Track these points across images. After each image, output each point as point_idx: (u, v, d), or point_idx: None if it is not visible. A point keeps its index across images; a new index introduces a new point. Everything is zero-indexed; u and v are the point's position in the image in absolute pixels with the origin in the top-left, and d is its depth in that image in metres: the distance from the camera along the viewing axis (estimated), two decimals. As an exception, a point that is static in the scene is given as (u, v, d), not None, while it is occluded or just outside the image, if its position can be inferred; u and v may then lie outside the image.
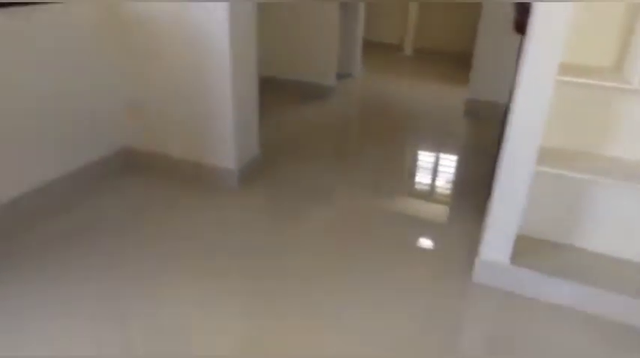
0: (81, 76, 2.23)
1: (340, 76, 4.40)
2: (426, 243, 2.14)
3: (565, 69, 1.52)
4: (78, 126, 2.27)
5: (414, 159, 3.08)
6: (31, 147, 2.07)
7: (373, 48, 5.78)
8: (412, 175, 2.86)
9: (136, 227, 2.08)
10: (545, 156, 1.63)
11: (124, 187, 2.40)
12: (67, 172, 2.25)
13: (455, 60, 5.26)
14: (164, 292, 1.71)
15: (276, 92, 4.01)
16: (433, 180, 2.80)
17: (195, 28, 2.17)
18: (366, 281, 1.83)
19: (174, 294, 1.71)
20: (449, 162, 3.06)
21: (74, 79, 2.20)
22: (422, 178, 2.82)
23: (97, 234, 2.01)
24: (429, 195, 2.63)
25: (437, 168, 2.96)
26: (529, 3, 1.58)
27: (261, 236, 2.11)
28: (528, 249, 1.83)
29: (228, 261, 1.92)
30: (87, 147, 2.35)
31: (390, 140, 3.30)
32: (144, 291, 1.70)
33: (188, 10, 2.15)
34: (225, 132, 2.36)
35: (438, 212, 2.46)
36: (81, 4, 2.16)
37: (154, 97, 2.42)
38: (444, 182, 2.77)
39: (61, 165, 2.22)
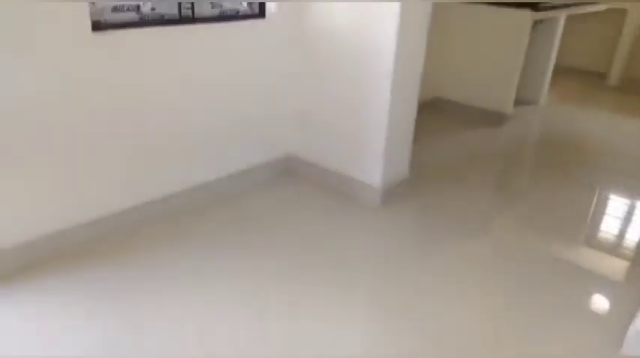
0: (261, 85, 2.50)
1: (521, 103, 4.09)
2: (589, 297, 1.87)
3: None
4: (251, 130, 2.56)
5: (596, 202, 2.69)
6: (206, 144, 2.39)
7: (568, 74, 5.23)
8: (589, 220, 2.50)
9: (277, 229, 2.27)
10: None
11: (281, 191, 2.61)
12: (235, 170, 2.55)
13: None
14: (299, 288, 1.84)
15: (443, 113, 3.92)
16: (615, 229, 2.43)
17: (364, 42, 2.27)
18: (512, 326, 1.69)
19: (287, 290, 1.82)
20: (639, 212, 2.61)
21: (255, 87, 2.47)
22: (601, 225, 2.46)
23: (247, 229, 2.25)
24: (607, 246, 2.28)
25: (622, 216, 2.54)
26: None
27: (395, 262, 2.06)
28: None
29: (359, 281, 1.95)
30: (256, 149, 2.64)
31: (569, 177, 2.94)
32: (282, 289, 1.86)
33: (359, 22, 2.26)
34: (375, 149, 2.41)
35: (614, 267, 2.10)
36: (281, 20, 2.43)
37: (318, 109, 2.59)
38: (629, 234, 2.37)
39: (231, 163, 2.53)
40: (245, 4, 2.37)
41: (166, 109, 2.14)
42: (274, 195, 2.56)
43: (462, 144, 3.42)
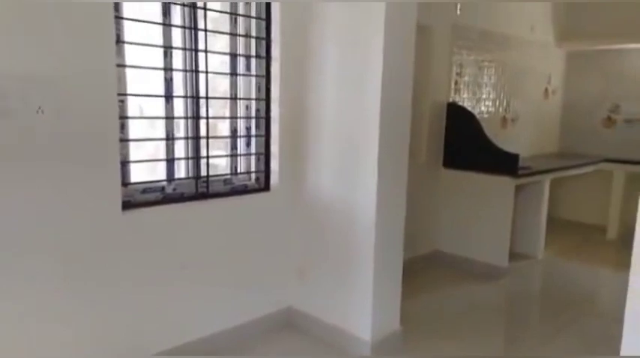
0: (265, 245, 2.87)
1: (519, 257, 4.31)
2: None
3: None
4: (254, 284, 2.85)
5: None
6: (210, 299, 2.66)
7: (568, 227, 5.49)
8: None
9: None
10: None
11: (277, 344, 2.80)
12: (237, 324, 2.79)
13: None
14: None
15: (441, 266, 4.14)
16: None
17: (349, 208, 2.66)
18: None
19: None
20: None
21: (259, 247, 2.84)
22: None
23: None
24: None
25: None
26: None
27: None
28: None
29: None
30: (258, 303, 2.90)
31: (579, 337, 3.00)
32: None
33: (345, 187, 2.67)
34: (363, 300, 2.64)
35: None
36: (282, 192, 2.87)
37: (315, 264, 2.89)
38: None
39: (234, 316, 2.79)
40: (253, 179, 2.86)
41: (179, 268, 2.49)
42: (269, 349, 2.74)
43: (459, 298, 3.60)
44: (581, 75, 5.63)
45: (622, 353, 1.51)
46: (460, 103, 4.26)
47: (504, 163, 3.93)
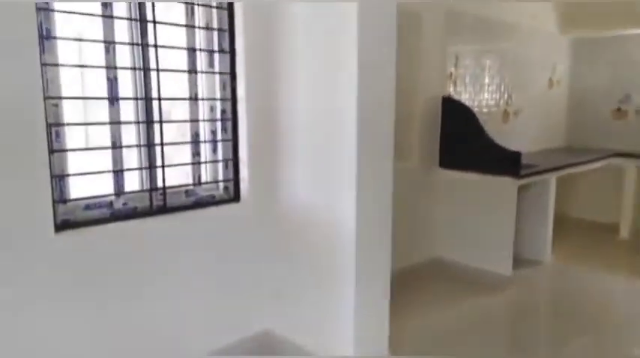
0: (234, 264, 2.56)
1: (522, 263, 3.96)
2: None
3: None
4: (226, 308, 2.54)
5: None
6: (174, 328, 2.40)
7: (577, 227, 5.14)
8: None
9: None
10: None
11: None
12: (210, 349, 2.49)
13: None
14: None
15: (441, 276, 3.81)
16: None
17: (327, 218, 2.35)
18: None
19: None
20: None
21: (229, 266, 2.54)
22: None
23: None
24: None
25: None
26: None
27: None
28: None
29: None
30: (231, 328, 2.59)
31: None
32: None
33: (322, 199, 2.38)
34: (344, 323, 2.34)
35: None
36: (254, 203, 2.57)
37: (291, 284, 2.60)
38: None
39: (204, 344, 2.48)
40: (221, 189, 2.56)
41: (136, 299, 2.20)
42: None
43: (458, 314, 3.26)
44: (588, 64, 5.27)
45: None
46: (457, 97, 3.94)
47: (505, 162, 3.60)
